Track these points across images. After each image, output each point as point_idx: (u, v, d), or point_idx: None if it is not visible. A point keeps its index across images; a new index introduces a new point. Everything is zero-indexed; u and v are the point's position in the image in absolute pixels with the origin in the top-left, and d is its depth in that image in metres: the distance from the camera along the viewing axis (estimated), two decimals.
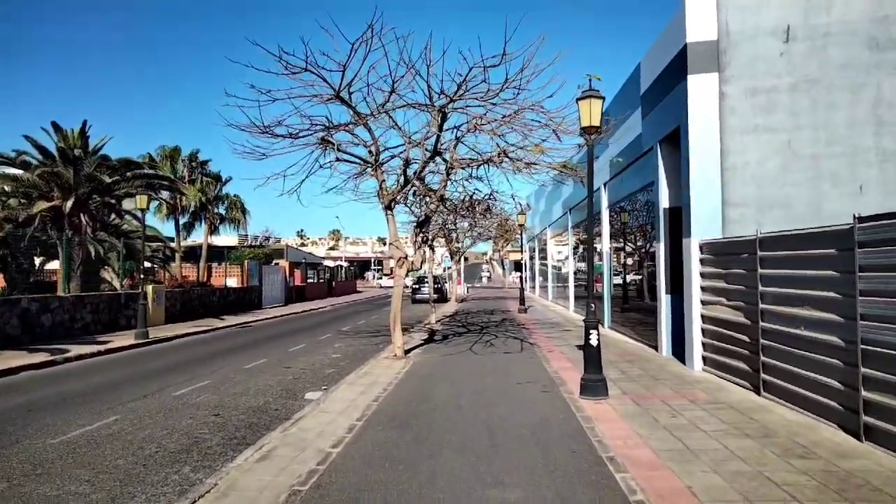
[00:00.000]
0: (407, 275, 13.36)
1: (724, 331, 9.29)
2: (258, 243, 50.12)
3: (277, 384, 10.47)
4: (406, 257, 12.75)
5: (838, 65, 9.82)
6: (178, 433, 7.23)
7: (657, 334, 12.39)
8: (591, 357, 8.32)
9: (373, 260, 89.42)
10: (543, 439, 6.38)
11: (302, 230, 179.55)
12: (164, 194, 35.49)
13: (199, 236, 38.77)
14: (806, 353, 7.04)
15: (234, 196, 38.13)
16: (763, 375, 7.97)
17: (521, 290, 26.03)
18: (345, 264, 59.46)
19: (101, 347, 15.05)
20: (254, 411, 8.38)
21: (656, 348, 12.65)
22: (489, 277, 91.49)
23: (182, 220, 38.62)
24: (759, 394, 8.03)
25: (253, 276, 32.45)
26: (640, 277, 15.91)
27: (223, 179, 37.85)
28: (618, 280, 18.40)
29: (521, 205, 16.72)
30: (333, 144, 11.61)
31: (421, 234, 13.36)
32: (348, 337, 18.21)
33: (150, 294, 21.95)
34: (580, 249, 25.31)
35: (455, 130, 12.26)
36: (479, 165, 12.78)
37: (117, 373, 11.84)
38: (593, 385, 8.22)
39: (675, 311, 11.84)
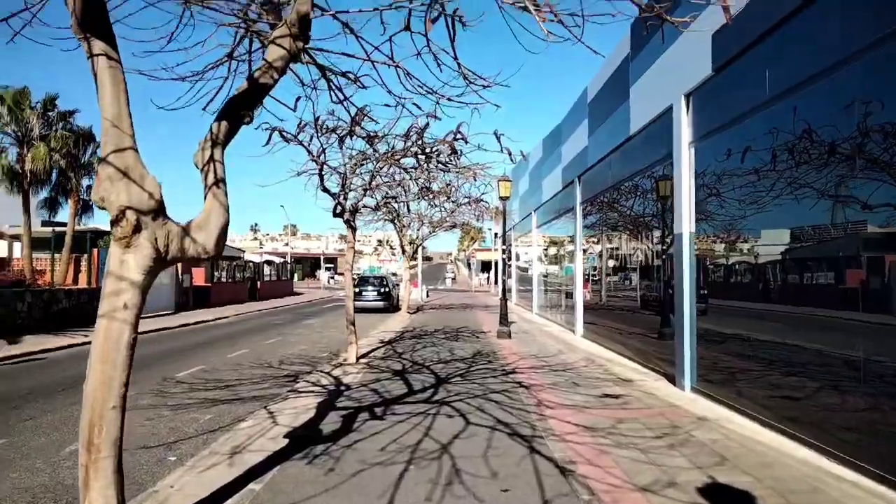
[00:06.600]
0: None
1: None
2: None
3: None
4: (157, 215, 3.35)
5: None
6: None
7: None
8: None
9: (322, 257, 78.97)
10: None
11: (256, 224, 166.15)
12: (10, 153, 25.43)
13: (91, 219, 28.88)
14: None
15: None
16: None
17: (504, 301, 16.56)
18: (278, 260, 48.86)
19: None
20: None
21: None
22: (454, 279, 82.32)
23: (42, 196, 28.35)
24: None
25: None
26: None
27: (97, 138, 27.44)
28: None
29: (510, 153, 7.55)
30: None
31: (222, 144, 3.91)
32: (162, 405, 8.61)
33: None
34: (593, 245, 16.24)
35: None
36: None
37: None
38: None
39: None
